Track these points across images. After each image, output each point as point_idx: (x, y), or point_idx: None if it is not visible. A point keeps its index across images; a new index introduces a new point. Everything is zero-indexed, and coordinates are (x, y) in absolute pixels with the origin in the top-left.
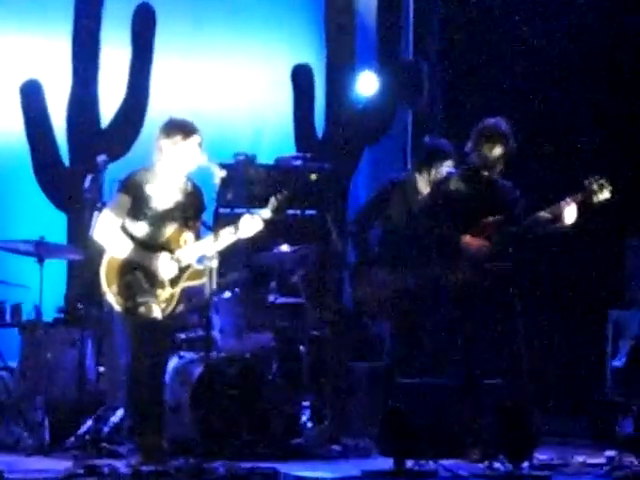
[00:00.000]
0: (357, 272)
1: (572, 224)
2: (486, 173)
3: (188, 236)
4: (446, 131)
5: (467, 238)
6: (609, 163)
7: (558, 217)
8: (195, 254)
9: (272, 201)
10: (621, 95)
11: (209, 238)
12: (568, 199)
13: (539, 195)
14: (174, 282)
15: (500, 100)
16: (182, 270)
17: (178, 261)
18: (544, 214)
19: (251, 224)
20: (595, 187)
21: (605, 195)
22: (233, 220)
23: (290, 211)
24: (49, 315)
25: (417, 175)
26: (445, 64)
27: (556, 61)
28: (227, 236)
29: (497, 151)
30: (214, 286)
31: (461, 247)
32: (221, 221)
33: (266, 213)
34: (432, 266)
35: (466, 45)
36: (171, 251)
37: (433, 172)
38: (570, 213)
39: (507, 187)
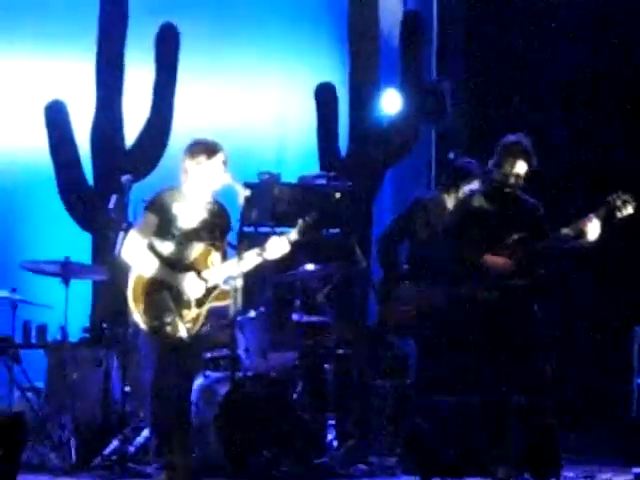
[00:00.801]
0: (383, 290)
1: (596, 240)
2: (508, 189)
3: (215, 256)
4: (470, 149)
5: (490, 256)
6: (635, 179)
7: (581, 233)
8: (222, 274)
9: (300, 223)
10: None
11: (235, 259)
12: (591, 215)
13: (564, 211)
14: (200, 302)
15: (523, 117)
16: (209, 290)
17: (205, 281)
18: (567, 231)
19: (278, 246)
20: (619, 203)
21: (629, 211)
22: (257, 239)
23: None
24: (74, 335)
25: (445, 195)
26: (468, 82)
27: (581, 78)
28: (253, 257)
29: (519, 167)
30: (239, 305)
31: (484, 265)
32: (245, 240)
33: (293, 235)
34: (457, 284)
35: (489, 63)
36: (198, 271)
37: (461, 192)
38: (594, 229)
39: (530, 203)
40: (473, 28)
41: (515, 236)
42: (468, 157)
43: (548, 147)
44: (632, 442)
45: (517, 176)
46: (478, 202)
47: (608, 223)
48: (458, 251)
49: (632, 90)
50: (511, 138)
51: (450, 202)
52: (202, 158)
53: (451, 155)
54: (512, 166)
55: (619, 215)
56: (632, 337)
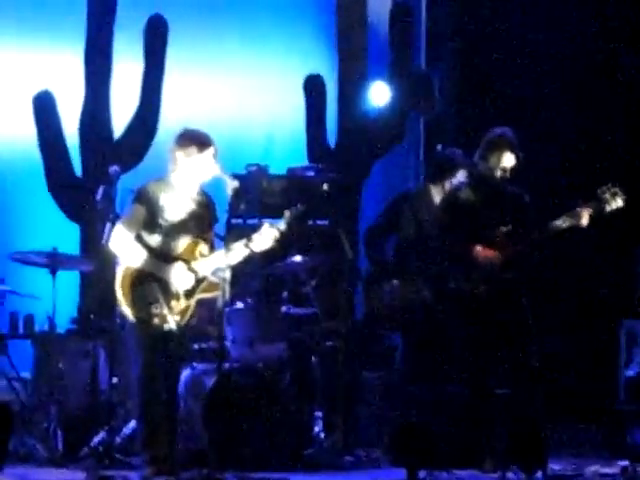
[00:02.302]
0: (371, 283)
1: (585, 225)
2: (494, 182)
3: (203, 248)
4: (458, 140)
5: (479, 249)
6: (620, 170)
7: (574, 223)
8: (211, 266)
9: (286, 214)
10: (633, 102)
11: (223, 250)
12: (582, 207)
13: (549, 203)
14: (189, 294)
15: (512, 109)
16: (197, 282)
17: (194, 273)
18: (559, 222)
19: (266, 237)
20: (608, 196)
21: (618, 204)
22: (245, 231)
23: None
24: (62, 326)
25: (431, 186)
26: (457, 73)
27: (568, 69)
28: (241, 249)
29: (504, 160)
30: (227, 297)
31: (473, 258)
32: (233, 232)
33: (280, 226)
34: (445, 277)
35: (478, 55)
36: (186, 263)
37: (447, 183)
38: (586, 216)
39: (516, 194)
40: (462, 18)
41: (504, 229)
42: (454, 148)
43: (538, 138)
44: (619, 435)
45: (503, 169)
46: (465, 195)
47: (598, 215)
48: (447, 244)
49: (624, 80)
50: (496, 131)
51: (436, 194)
52: (193, 150)
53: (439, 147)
54: (498, 160)
55: (609, 208)
56: (620, 330)
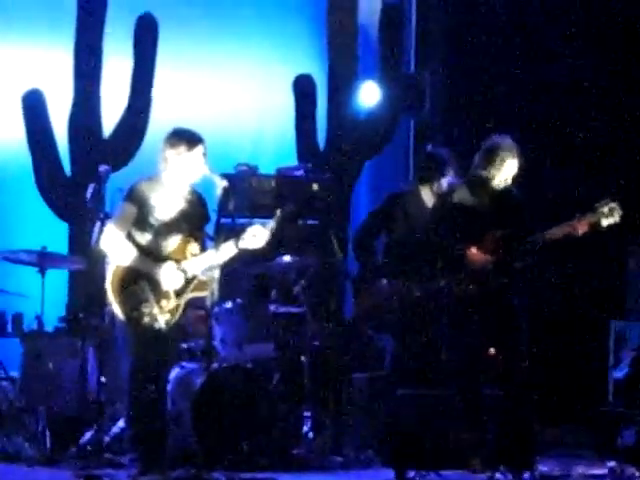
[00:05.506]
0: (360, 284)
1: (581, 234)
2: (490, 185)
3: (194, 247)
4: (448, 141)
5: (473, 250)
6: (609, 175)
7: (569, 234)
8: (201, 265)
9: (277, 214)
10: (623, 103)
11: (213, 249)
12: (579, 218)
13: (543, 207)
14: (179, 293)
15: (501, 111)
16: (188, 281)
17: (184, 272)
18: (555, 231)
19: (256, 236)
20: (606, 210)
21: (615, 218)
22: (235, 230)
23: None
24: (51, 325)
25: (420, 187)
26: (447, 74)
27: (558, 70)
28: (231, 248)
29: (504, 168)
30: (216, 296)
31: (466, 260)
32: (223, 231)
33: (271, 226)
34: (436, 278)
35: (468, 55)
36: (177, 262)
37: (436, 183)
38: (582, 227)
39: (511, 196)
40: (452, 20)
41: (498, 232)
42: (444, 148)
43: (529, 140)
44: (607, 436)
45: (501, 176)
46: (459, 196)
47: (594, 229)
48: (439, 246)
49: (614, 83)
50: (497, 138)
51: (426, 194)
52: (182, 148)
53: (428, 148)
54: (497, 168)
55: (605, 223)
56: (608, 331)
